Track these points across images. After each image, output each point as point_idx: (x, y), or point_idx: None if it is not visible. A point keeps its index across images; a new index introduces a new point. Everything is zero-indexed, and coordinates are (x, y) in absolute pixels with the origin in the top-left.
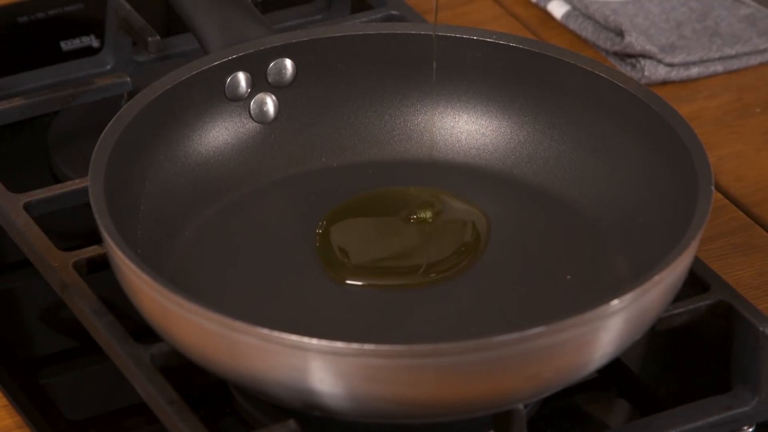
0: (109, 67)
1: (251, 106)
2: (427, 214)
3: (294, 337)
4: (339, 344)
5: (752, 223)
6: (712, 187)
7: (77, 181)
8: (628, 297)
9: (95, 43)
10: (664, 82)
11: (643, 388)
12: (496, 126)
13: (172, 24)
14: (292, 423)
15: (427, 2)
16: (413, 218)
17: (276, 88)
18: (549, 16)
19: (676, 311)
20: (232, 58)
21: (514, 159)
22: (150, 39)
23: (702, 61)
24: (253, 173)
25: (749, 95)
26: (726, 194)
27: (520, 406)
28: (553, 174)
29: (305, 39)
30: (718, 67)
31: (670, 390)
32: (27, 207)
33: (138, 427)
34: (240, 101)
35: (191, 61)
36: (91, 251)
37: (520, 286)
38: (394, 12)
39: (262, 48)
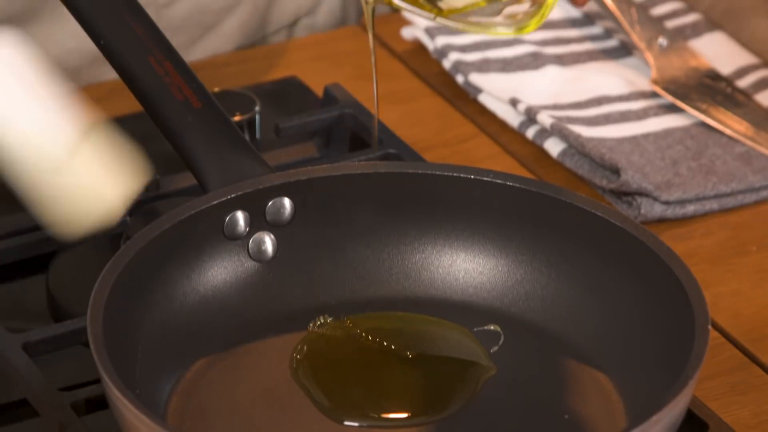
0: None
1: (249, 245)
2: (421, 349)
3: None
4: None
5: (749, 362)
6: (709, 326)
7: (76, 320)
8: None
9: None
10: (661, 220)
11: None
12: (493, 264)
13: (171, 162)
14: None
15: (425, 141)
16: (409, 355)
17: (274, 227)
18: (545, 154)
19: None
20: (231, 198)
21: (511, 297)
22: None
23: (698, 199)
24: (252, 312)
25: (745, 233)
26: (723, 332)
27: None
28: (551, 312)
29: (304, 178)
30: (714, 205)
31: None
32: (25, 347)
33: None
34: (238, 240)
35: (190, 199)
36: (89, 391)
37: (518, 424)
38: (391, 151)
39: (260, 187)
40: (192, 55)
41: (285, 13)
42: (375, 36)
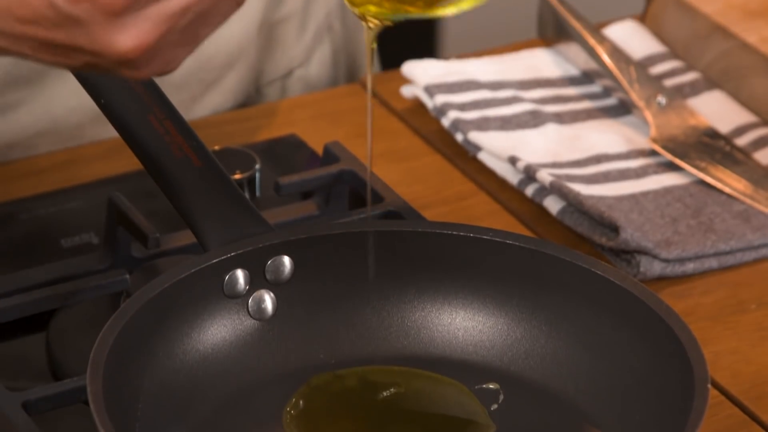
0: (108, 264)
1: (249, 303)
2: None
3: None
4: None
5: (749, 420)
6: (709, 385)
7: (76, 379)
8: None
9: (95, 240)
10: (660, 278)
11: None
12: (493, 323)
13: (171, 220)
14: None
15: (425, 199)
16: (407, 412)
17: (274, 285)
18: (545, 212)
19: None
20: (231, 256)
21: (511, 355)
22: (149, 235)
23: (697, 257)
24: (252, 370)
25: (744, 291)
26: (722, 391)
27: None
28: (550, 370)
29: (303, 236)
30: (713, 263)
31: None
32: (25, 405)
33: None
34: (238, 298)
35: (190, 257)
36: None
37: None
38: (391, 208)
39: (260, 246)
40: (193, 111)
41: (279, 65)
42: (375, 93)
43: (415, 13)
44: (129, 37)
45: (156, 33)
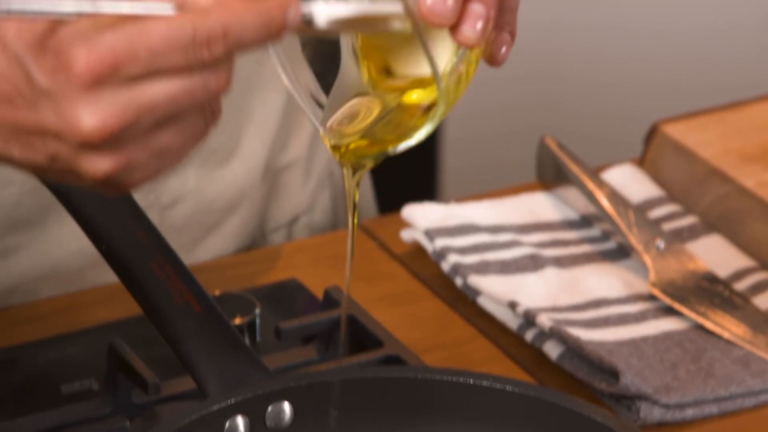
0: (108, 410)
1: None
2: None
3: None
4: None
5: None
6: None
7: None
8: None
9: (95, 386)
10: (660, 424)
11: None
12: None
13: (172, 365)
14: None
15: (425, 343)
16: None
17: None
18: (544, 356)
19: None
20: (231, 403)
21: None
22: (150, 382)
23: (697, 403)
24: None
25: None
26: None
27: None
28: None
29: (303, 383)
30: (713, 409)
31: None
32: None
33: None
34: None
35: (190, 404)
36: None
37: None
38: (391, 353)
39: (260, 392)
40: (194, 255)
41: (284, 211)
42: (374, 237)
43: (393, 146)
44: (94, 114)
45: (121, 119)
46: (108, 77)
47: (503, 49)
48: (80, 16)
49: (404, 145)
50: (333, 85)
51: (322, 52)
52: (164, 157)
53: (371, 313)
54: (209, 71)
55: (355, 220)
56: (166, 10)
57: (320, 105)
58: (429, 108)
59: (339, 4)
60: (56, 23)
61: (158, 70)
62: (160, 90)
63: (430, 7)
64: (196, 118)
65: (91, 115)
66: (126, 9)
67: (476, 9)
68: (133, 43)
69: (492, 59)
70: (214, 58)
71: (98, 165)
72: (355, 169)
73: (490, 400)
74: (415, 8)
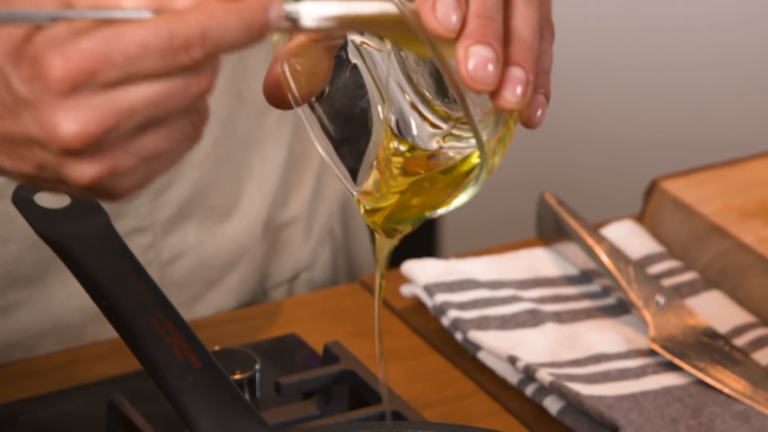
0: None
1: None
2: None
3: None
4: None
5: None
6: None
7: None
8: None
9: None
10: None
11: None
12: None
13: (172, 421)
14: None
15: (426, 397)
16: None
17: None
18: (545, 411)
19: None
20: None
21: None
22: None
23: None
24: None
25: None
26: None
27: None
28: None
29: None
30: None
31: None
32: None
33: None
34: None
35: None
36: None
37: None
38: (391, 408)
39: None
40: (194, 311)
41: (285, 268)
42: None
43: (431, 211)
44: (72, 121)
45: (100, 124)
46: (85, 83)
47: (539, 112)
48: (56, 21)
49: (443, 210)
50: (365, 151)
51: (353, 117)
52: (153, 161)
53: (371, 369)
54: (189, 74)
55: (382, 293)
56: (143, 14)
57: (353, 170)
58: (468, 172)
59: (326, 3)
60: (33, 30)
61: (135, 75)
62: (138, 94)
63: (472, 73)
64: (183, 122)
65: (70, 122)
66: (102, 14)
67: (517, 73)
68: (109, 48)
69: (528, 122)
70: (194, 61)
71: (83, 171)
72: (389, 234)
73: None
74: (409, 12)
